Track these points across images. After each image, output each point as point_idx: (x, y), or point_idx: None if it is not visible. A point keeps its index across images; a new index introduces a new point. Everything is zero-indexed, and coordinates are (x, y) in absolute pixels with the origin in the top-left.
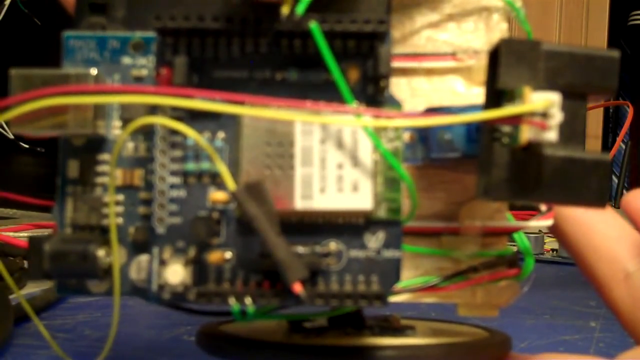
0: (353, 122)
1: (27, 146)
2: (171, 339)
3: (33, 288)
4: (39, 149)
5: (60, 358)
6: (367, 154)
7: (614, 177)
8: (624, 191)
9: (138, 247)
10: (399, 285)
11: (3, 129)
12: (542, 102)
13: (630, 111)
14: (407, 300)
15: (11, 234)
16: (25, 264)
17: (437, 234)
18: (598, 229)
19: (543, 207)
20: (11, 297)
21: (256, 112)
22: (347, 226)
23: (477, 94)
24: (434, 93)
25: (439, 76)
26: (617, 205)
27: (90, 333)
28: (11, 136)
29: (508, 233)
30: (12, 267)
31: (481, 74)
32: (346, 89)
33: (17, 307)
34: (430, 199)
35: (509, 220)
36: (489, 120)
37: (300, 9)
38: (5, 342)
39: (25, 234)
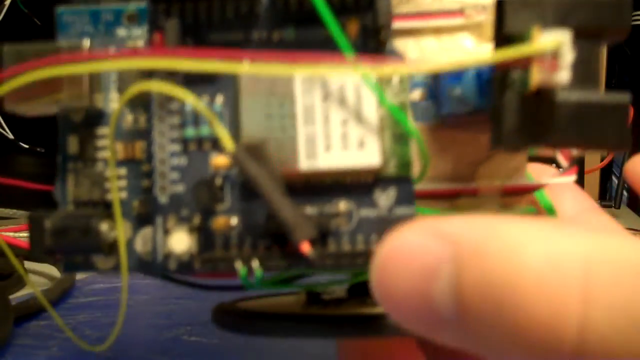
0: (353, 71)
1: (27, 146)
2: (171, 339)
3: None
4: (39, 149)
5: (59, 358)
6: (371, 109)
7: (613, 178)
8: (624, 192)
9: (143, 220)
10: None
11: (3, 129)
12: (552, 41)
13: (630, 111)
14: None
15: (11, 234)
16: (26, 264)
17: (454, 196)
18: None
19: (564, 163)
20: (11, 297)
21: (254, 69)
22: (356, 185)
23: (488, 51)
24: (443, 52)
25: (448, 34)
26: (617, 205)
27: (90, 333)
28: (11, 136)
29: (528, 192)
30: (12, 267)
31: (491, 29)
32: (345, 41)
33: (17, 307)
34: (444, 161)
35: (528, 178)
36: (498, 63)
37: None
38: (5, 342)
39: (26, 234)
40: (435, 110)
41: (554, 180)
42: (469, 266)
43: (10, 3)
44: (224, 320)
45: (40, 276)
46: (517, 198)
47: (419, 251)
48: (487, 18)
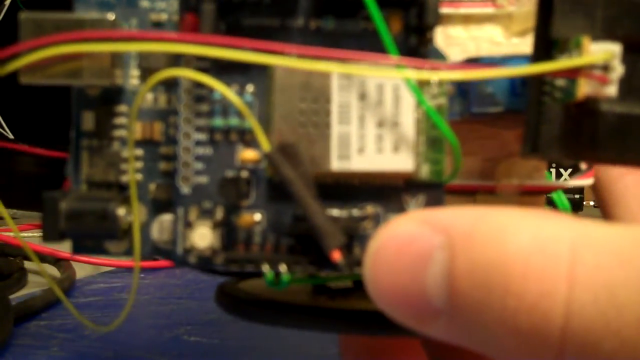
0: (395, 74)
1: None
2: (171, 339)
3: (33, 288)
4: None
5: (59, 358)
6: (409, 112)
7: None
8: None
9: (159, 205)
10: None
11: (3, 129)
12: (603, 53)
13: None
14: None
15: (12, 234)
16: (25, 263)
17: (472, 192)
18: None
19: (583, 166)
20: (11, 297)
21: (291, 62)
22: (385, 189)
23: (517, 44)
24: (470, 42)
25: (476, 24)
26: None
27: (90, 333)
28: (11, 136)
29: (546, 192)
30: (12, 267)
31: (521, 23)
32: (389, 38)
33: (17, 307)
34: (465, 155)
35: (547, 179)
36: (544, 74)
37: None
38: (5, 342)
39: (26, 234)
40: (464, 108)
41: (572, 183)
42: (460, 252)
43: (10, 3)
44: (230, 305)
45: (40, 276)
46: (534, 197)
47: (412, 240)
48: (519, 9)
